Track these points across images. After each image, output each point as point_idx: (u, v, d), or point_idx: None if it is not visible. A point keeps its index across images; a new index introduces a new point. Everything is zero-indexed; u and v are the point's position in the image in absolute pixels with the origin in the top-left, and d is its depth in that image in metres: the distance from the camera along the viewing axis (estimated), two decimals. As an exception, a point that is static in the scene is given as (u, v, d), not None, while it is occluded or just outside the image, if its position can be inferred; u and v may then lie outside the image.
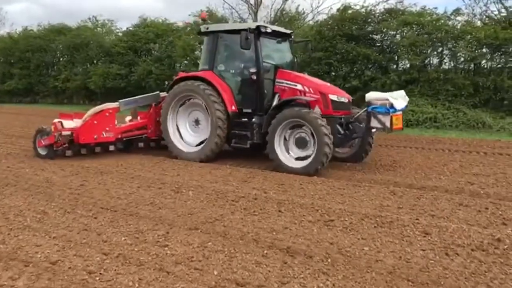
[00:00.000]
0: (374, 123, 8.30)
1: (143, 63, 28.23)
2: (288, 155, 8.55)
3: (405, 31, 20.87)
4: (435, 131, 16.11)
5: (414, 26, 20.36)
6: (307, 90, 8.88)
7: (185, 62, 27.96)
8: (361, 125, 8.75)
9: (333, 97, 8.73)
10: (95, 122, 9.60)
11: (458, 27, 19.78)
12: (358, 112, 9.11)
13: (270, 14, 27.79)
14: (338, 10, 22.43)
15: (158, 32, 29.13)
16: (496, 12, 20.18)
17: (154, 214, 5.60)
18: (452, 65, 20.64)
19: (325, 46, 20.77)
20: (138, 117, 10.85)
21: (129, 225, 5.16)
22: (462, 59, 20.08)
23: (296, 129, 8.47)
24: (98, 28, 34.11)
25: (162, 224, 5.26)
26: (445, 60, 20.99)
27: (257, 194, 6.58)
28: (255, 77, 9.14)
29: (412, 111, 17.83)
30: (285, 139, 8.56)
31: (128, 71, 29.04)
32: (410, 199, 6.52)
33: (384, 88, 19.25)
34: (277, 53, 10.17)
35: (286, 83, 9.18)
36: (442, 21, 19.94)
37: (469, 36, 18.91)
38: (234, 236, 4.84)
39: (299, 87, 8.99)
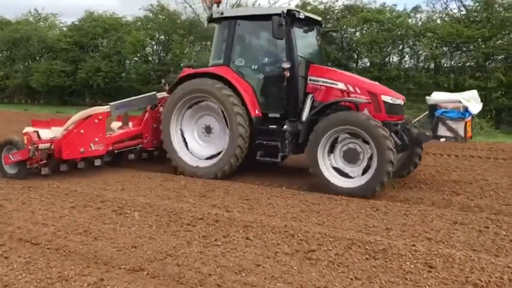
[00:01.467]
0: (442, 131, 6.83)
1: (91, 59, 26.44)
2: (334, 171, 6.85)
3: (365, 28, 20.34)
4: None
5: (374, 23, 19.83)
6: (351, 89, 7.22)
7: (135, 59, 26.40)
8: (428, 134, 7.05)
9: (386, 98, 7.13)
10: (82, 131, 7.48)
11: (419, 24, 19.41)
12: (408, 118, 7.48)
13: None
14: (296, 6, 21.63)
15: (106, 27, 27.37)
16: (456, 10, 19.92)
17: (87, 249, 4.36)
18: (413, 63, 20.32)
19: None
20: (130, 124, 8.84)
21: (50, 268, 3.91)
22: (422, 57, 19.77)
23: (345, 139, 6.80)
24: (40, 22, 31.83)
25: (97, 263, 4.04)
26: (405, 58, 20.63)
27: (218, 214, 5.45)
28: (288, 74, 7.32)
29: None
30: (329, 151, 6.88)
31: (74, 68, 27.14)
32: (397, 217, 5.59)
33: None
34: (306, 44, 8.33)
35: (323, 81, 7.46)
36: (402, 18, 19.51)
37: (430, 34, 18.53)
38: (192, 281, 3.70)
39: (340, 86, 7.31)
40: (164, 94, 8.79)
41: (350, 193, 6.51)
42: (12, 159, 7.38)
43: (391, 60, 20.71)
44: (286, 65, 7.32)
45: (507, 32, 17.78)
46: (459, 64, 18.94)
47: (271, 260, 4.12)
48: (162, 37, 26.22)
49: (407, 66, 20.42)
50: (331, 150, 6.87)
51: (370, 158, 6.56)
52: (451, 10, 20.17)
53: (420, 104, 17.39)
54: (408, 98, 18.07)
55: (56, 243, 4.52)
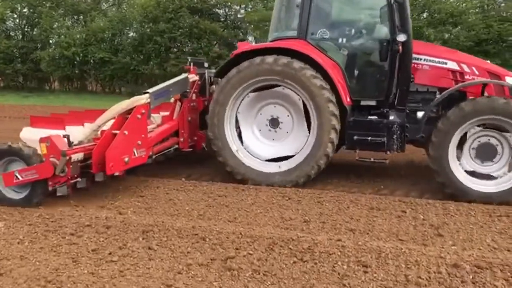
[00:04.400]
0: None
1: None
2: (467, 174, 5.62)
3: (250, 6, 19.97)
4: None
5: (258, 0, 19.55)
6: (467, 70, 5.93)
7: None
8: None
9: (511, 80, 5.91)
10: (126, 132, 5.22)
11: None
12: None
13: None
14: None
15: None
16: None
17: None
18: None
19: (168, 18, 18.69)
20: (154, 117, 6.57)
21: None
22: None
23: (475, 133, 5.62)
24: None
25: None
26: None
27: (109, 218, 4.52)
28: (401, 50, 5.86)
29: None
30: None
31: None
32: (312, 205, 5.17)
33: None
34: None
35: (427, 59, 6.07)
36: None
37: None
38: (84, 318, 2.82)
39: (451, 65, 5.99)
40: (195, 77, 6.81)
41: (490, 198, 5.38)
42: (21, 178, 4.83)
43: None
44: (402, 38, 5.76)
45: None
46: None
47: (184, 276, 3.36)
48: (25, 10, 23.32)
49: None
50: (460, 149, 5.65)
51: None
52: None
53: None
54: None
55: None
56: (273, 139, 6.28)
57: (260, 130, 6.31)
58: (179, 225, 4.33)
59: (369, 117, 6.09)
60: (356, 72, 6.25)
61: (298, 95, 5.99)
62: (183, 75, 6.65)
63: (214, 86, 6.78)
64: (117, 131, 5.18)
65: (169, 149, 6.46)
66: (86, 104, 17.26)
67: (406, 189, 6.06)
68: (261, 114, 6.28)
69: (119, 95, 21.31)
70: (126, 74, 20.61)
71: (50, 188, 4.86)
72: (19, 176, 4.83)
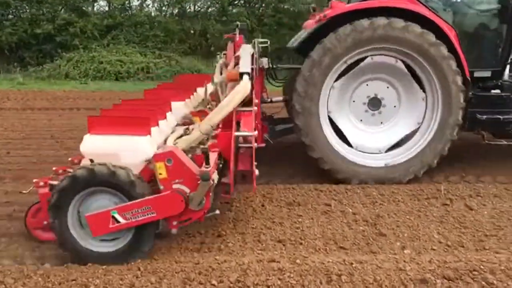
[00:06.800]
0: None
1: None
2: None
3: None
4: (151, 83, 13.55)
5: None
6: None
7: None
8: None
9: None
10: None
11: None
12: None
13: None
14: None
15: None
16: None
17: None
18: (156, 7, 18.83)
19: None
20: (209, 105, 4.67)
21: None
22: (166, 1, 18.43)
23: None
24: None
25: None
26: (148, 2, 18.92)
27: None
28: None
29: (121, 62, 15.30)
30: None
31: None
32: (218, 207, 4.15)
33: (85, 35, 15.86)
34: None
35: None
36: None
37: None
38: None
39: None
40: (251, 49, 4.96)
41: None
42: (125, 221, 3.03)
43: (132, 3, 18.68)
44: None
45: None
46: (202, 9, 18.48)
47: None
48: None
49: (149, 10, 18.89)
50: None
51: None
52: None
53: (168, 52, 16.17)
54: (155, 46, 16.92)
55: None
56: (379, 124, 5.12)
57: (357, 115, 5.09)
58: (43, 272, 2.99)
59: (492, 91, 5.19)
60: (470, 37, 5.33)
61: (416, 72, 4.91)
62: (247, 47, 4.80)
63: (263, 59, 5.31)
64: (246, 133, 3.60)
65: None
66: None
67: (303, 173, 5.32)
68: (354, 101, 5.07)
69: None
70: None
71: (174, 230, 3.20)
72: (119, 218, 3.04)
